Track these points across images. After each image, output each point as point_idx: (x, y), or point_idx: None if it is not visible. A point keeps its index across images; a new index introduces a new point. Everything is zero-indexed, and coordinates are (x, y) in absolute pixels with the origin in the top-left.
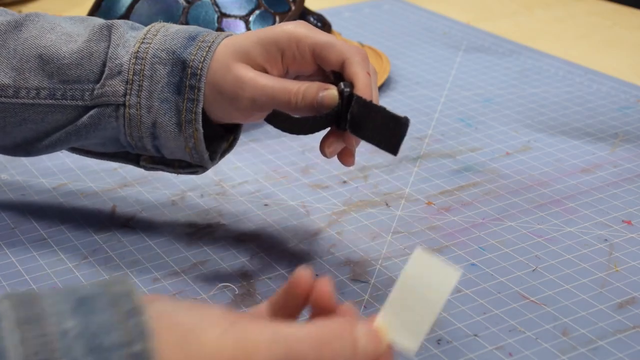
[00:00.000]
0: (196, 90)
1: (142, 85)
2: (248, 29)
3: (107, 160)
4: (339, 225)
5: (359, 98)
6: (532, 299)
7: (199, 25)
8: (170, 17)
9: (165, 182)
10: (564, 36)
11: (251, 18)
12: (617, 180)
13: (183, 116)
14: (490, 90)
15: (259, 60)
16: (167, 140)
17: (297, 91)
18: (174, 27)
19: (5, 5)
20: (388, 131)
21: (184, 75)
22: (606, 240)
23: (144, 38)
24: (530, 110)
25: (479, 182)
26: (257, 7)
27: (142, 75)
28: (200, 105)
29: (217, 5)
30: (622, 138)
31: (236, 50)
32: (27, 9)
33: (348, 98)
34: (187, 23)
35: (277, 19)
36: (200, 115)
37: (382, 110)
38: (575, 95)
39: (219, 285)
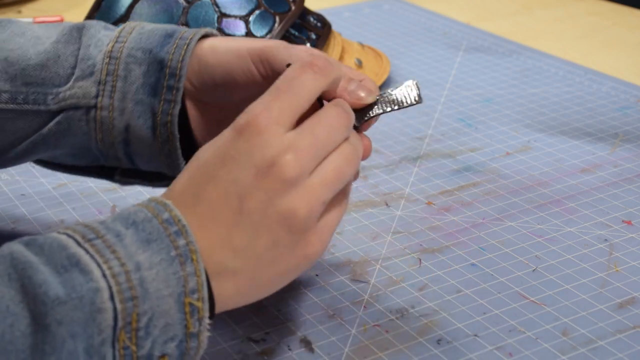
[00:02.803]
0: (174, 91)
1: (115, 86)
2: (248, 29)
3: (80, 175)
4: (339, 225)
5: None
6: (532, 299)
7: (198, 25)
8: (170, 17)
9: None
10: (564, 36)
11: (251, 18)
12: (617, 180)
13: (158, 118)
14: (490, 90)
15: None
16: (141, 146)
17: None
18: (149, 25)
19: (5, 5)
20: (402, 96)
21: (162, 75)
22: (606, 240)
23: (118, 37)
24: (530, 110)
25: (479, 182)
26: (257, 7)
27: (116, 75)
28: (178, 107)
29: (217, 5)
30: (622, 138)
31: None
32: (26, 9)
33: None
34: (187, 23)
35: (277, 19)
36: (177, 118)
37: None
38: (575, 95)
39: None
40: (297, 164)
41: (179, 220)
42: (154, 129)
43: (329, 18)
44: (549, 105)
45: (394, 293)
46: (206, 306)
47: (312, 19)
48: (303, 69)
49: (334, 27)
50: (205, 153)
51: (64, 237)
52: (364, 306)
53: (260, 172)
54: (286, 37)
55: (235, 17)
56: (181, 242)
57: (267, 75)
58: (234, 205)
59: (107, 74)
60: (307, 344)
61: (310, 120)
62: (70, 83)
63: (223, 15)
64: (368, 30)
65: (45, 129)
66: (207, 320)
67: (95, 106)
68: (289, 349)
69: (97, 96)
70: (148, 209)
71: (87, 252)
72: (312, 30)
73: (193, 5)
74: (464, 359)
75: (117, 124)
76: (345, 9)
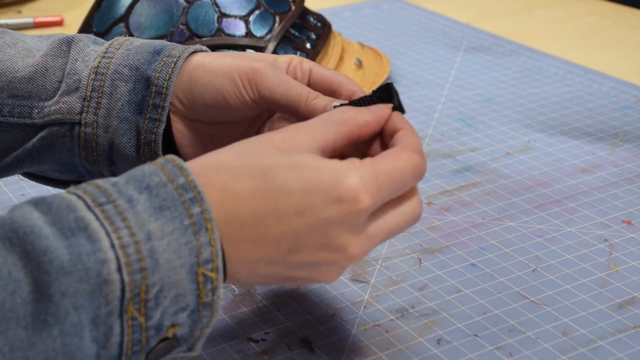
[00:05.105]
0: (160, 110)
1: (100, 103)
2: (248, 29)
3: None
4: None
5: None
6: (532, 299)
7: (198, 25)
8: (170, 17)
9: None
10: (564, 36)
11: (251, 18)
12: (617, 180)
13: (142, 137)
14: (490, 90)
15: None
16: (125, 165)
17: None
18: (138, 41)
19: (5, 5)
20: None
21: (148, 93)
22: (606, 240)
23: (106, 52)
24: (530, 110)
25: (479, 182)
26: (257, 7)
27: (102, 92)
28: (162, 126)
29: (217, 5)
30: (622, 138)
31: None
32: (26, 9)
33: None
34: (187, 23)
35: (277, 19)
36: (161, 137)
37: (373, 95)
38: (575, 95)
39: None
40: (360, 256)
41: (195, 187)
42: (138, 148)
43: (329, 18)
44: (549, 105)
45: (394, 293)
46: (220, 276)
47: (312, 19)
48: (415, 173)
49: (334, 27)
50: (290, 179)
51: (73, 198)
52: (364, 306)
53: (325, 246)
54: (286, 37)
55: (235, 17)
56: (195, 210)
57: (255, 99)
58: (282, 250)
59: (92, 90)
60: (307, 344)
61: (392, 219)
62: (56, 98)
63: (223, 15)
64: (368, 30)
65: (30, 144)
66: (221, 290)
67: (79, 122)
68: (289, 349)
69: (81, 112)
70: (164, 171)
71: (97, 217)
72: (312, 30)
73: (193, 5)
74: (464, 359)
75: (100, 141)
76: (345, 9)
